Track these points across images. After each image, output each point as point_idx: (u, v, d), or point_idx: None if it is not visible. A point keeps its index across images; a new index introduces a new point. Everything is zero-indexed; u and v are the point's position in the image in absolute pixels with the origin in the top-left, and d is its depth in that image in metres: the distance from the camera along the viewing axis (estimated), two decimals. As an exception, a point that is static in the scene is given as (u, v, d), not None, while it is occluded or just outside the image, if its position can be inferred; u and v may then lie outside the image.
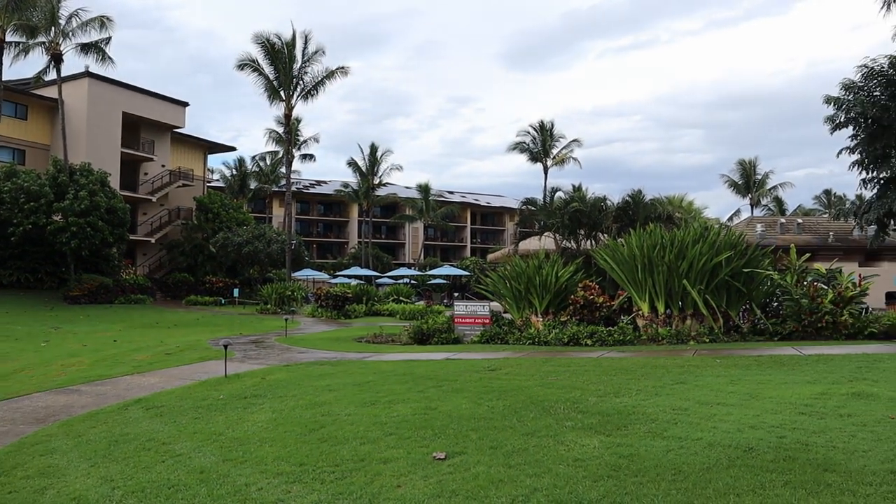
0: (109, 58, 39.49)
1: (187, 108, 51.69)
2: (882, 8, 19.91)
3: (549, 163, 61.56)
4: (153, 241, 48.81)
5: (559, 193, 26.37)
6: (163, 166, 49.95)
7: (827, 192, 79.54)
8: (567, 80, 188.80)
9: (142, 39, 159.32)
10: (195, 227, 50.21)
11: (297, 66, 44.39)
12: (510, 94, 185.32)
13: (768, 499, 4.44)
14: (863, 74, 20.42)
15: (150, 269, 49.11)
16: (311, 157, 55.92)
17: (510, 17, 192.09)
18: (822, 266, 16.79)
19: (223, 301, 43.63)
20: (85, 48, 38.99)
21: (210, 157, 59.47)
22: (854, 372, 9.15)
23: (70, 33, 38.47)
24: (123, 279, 41.74)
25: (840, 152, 21.53)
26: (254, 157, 67.23)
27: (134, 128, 47.49)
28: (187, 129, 53.06)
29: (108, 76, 43.48)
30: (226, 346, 12.45)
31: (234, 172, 66.37)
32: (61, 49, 38.21)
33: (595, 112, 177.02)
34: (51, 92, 40.99)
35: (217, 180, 67.88)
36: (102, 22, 38.76)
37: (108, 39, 39.43)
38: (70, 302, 35.69)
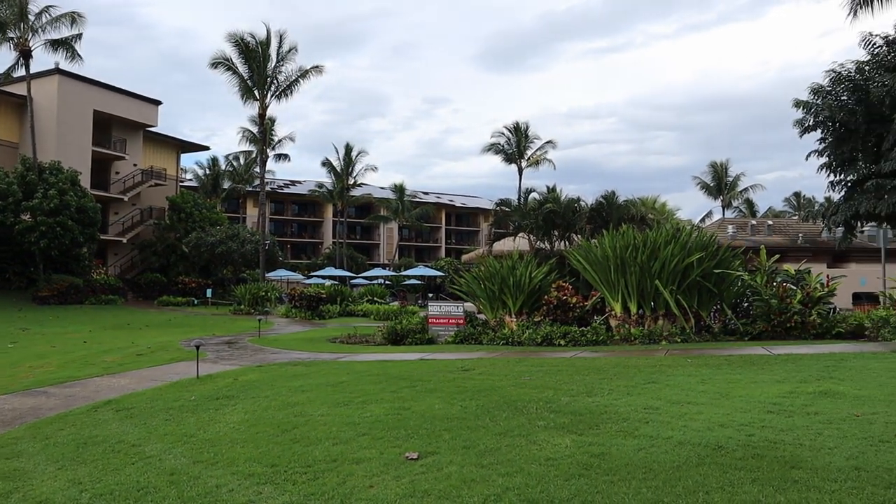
0: (79, 55, 38.91)
1: (160, 107, 51.13)
2: (849, 15, 20.26)
3: (524, 164, 61.79)
4: (125, 240, 48.22)
5: (533, 194, 26.54)
6: (135, 165, 49.36)
7: (797, 195, 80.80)
8: (542, 82, 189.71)
9: (114, 37, 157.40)
10: (168, 227, 49.69)
11: (271, 65, 44.13)
12: (485, 95, 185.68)
13: (737, 496, 4.50)
14: (831, 79, 20.77)
15: (121, 270, 48.50)
16: (285, 156, 55.76)
17: (486, 18, 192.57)
18: (791, 267, 17.05)
19: (196, 301, 43.24)
20: (55, 45, 38.34)
21: (183, 156, 58.89)
22: (821, 371, 9.30)
23: (40, 29, 37.83)
24: (94, 279, 41.18)
25: (809, 155, 21.88)
26: (227, 157, 66.72)
27: (105, 126, 46.87)
28: (160, 128, 52.51)
29: (79, 73, 42.85)
30: (198, 347, 12.33)
31: (208, 172, 65.81)
32: (30, 45, 37.59)
33: (570, 114, 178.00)
34: (19, 89, 40.27)
35: (190, 180, 67.27)
36: (73, 18, 38.18)
37: (79, 36, 38.86)
38: (39, 303, 35.14)
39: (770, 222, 44.51)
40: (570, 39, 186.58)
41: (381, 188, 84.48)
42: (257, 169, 53.23)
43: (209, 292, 44.59)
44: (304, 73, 44.91)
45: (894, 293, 15.31)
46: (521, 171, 61.85)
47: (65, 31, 38.42)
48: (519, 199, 30.23)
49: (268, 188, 63.10)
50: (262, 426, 7.38)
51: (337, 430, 6.93)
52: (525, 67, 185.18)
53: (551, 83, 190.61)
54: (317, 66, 45.36)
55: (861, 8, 20.03)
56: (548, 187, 25.46)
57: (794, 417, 6.57)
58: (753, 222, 44.29)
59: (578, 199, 23.39)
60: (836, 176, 21.69)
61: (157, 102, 50.86)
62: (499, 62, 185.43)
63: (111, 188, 47.60)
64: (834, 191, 22.43)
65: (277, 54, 44.17)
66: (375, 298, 38.88)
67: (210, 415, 8.27)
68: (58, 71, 42.13)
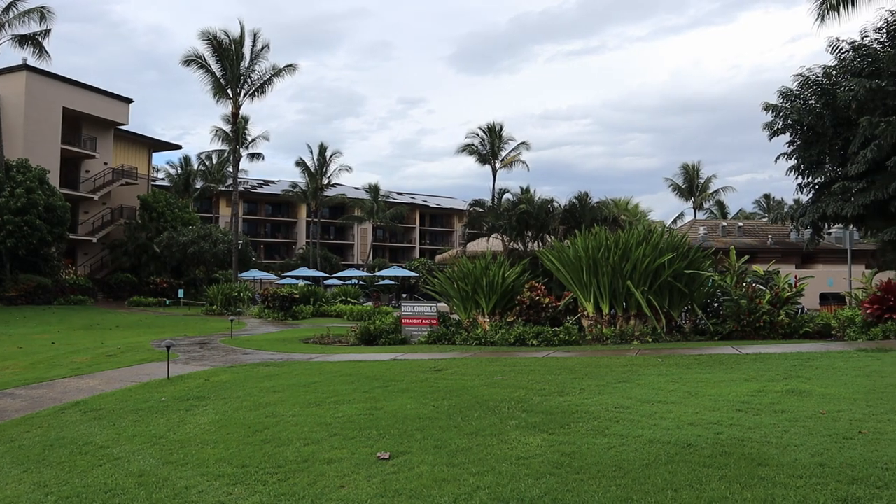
0: (46, 51, 38.29)
1: (132, 105, 50.55)
2: (816, 20, 20.60)
3: (498, 165, 61.99)
4: (95, 240, 47.57)
5: (507, 195, 26.64)
6: (105, 164, 48.73)
7: (767, 197, 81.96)
8: (517, 84, 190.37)
9: (86, 34, 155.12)
10: (139, 227, 49.12)
11: (244, 63, 43.81)
12: (460, 96, 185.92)
13: (704, 493, 4.55)
14: (799, 83, 21.10)
15: (91, 270, 47.85)
16: (259, 156, 55.33)
17: (461, 19, 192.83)
18: (760, 268, 17.30)
19: (168, 302, 42.79)
20: (22, 41, 37.67)
21: (155, 155, 58.28)
22: (789, 370, 9.44)
23: (7, 24, 37.18)
24: (63, 279, 40.59)
25: (778, 158, 22.20)
26: (199, 156, 66.09)
27: (75, 124, 46.21)
28: (131, 127, 51.92)
29: (48, 70, 42.19)
30: (168, 348, 12.20)
31: (180, 171, 65.14)
32: (-3, 41, 36.98)
33: (545, 115, 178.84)
34: (-15, 85, 39.64)
35: (162, 179, 66.54)
36: (42, 14, 37.55)
37: (48, 32, 38.22)
38: (6, 303, 34.55)
39: (740, 224, 45.08)
40: (544, 41, 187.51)
41: (356, 188, 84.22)
42: (230, 168, 52.73)
43: (181, 293, 44.14)
44: (277, 72, 44.66)
45: (860, 293, 15.58)
46: (495, 172, 62.04)
47: (33, 27, 37.83)
48: (493, 199, 30.32)
49: (241, 188, 62.64)
50: (233, 427, 7.33)
51: (308, 430, 6.90)
52: (500, 69, 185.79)
53: (526, 85, 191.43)
54: (290, 65, 45.16)
55: (828, 14, 20.37)
56: (522, 188, 25.63)
57: (762, 416, 6.67)
58: (724, 224, 44.83)
59: (552, 200, 23.54)
60: (804, 178, 22.04)
61: (129, 100, 50.26)
62: (474, 63, 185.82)
63: (81, 187, 46.94)
64: (802, 193, 22.80)
65: (251, 52, 43.88)
66: (349, 299, 38.76)
67: (180, 416, 8.18)
68: (25, 67, 41.45)
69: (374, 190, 75.86)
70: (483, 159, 61.95)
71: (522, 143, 63.08)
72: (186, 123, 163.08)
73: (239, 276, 45.01)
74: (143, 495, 5.24)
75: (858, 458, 5.15)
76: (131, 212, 50.43)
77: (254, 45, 43.83)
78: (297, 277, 49.86)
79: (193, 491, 5.26)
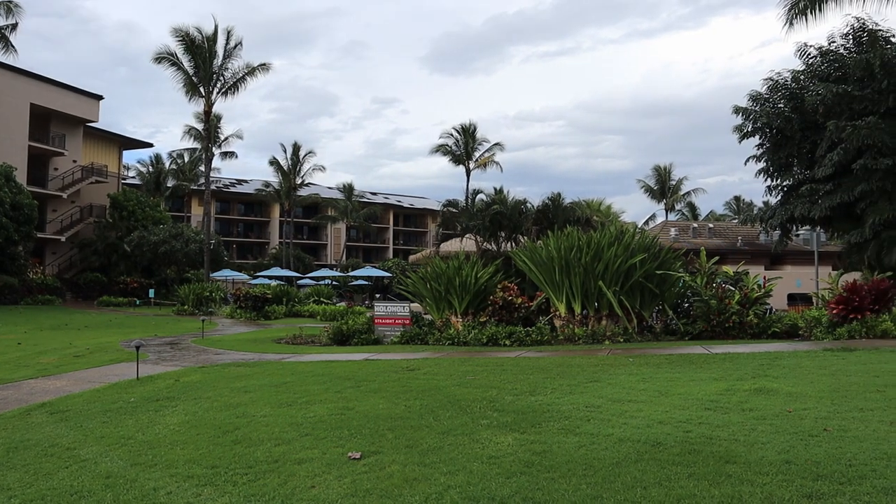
0: (13, 46, 37.62)
1: (102, 102, 49.86)
2: (785, 25, 20.93)
3: (472, 166, 62.09)
4: (63, 239, 46.82)
5: (481, 196, 26.68)
6: (74, 161, 47.99)
7: (737, 199, 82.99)
8: (492, 85, 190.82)
9: (55, 29, 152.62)
10: (109, 226, 48.46)
11: (217, 61, 43.43)
12: (434, 96, 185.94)
13: (673, 490, 4.60)
14: (768, 87, 21.43)
15: (59, 269, 47.10)
16: (232, 154, 54.77)
17: (436, 19, 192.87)
18: (730, 269, 17.52)
19: (138, 302, 42.28)
20: (-12, 35, 37.08)
21: (126, 153, 57.54)
22: (757, 369, 9.58)
23: (-28, 19, 36.55)
24: (30, 279, 39.91)
25: (748, 160, 22.52)
26: (171, 154, 65.39)
27: (43, 120, 45.44)
28: (102, 124, 51.20)
29: (16, 65, 41.47)
30: (138, 348, 12.05)
31: (151, 169, 64.40)
32: (-38, 36, 36.29)
33: (519, 116, 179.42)
34: (-50, 80, 38.85)
35: (133, 177, 65.73)
36: (8, 7, 36.90)
37: (15, 26, 37.57)
38: (-30, 303, 33.93)
39: (711, 225, 45.64)
40: (519, 42, 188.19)
41: (329, 188, 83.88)
42: (203, 167, 52.25)
43: (152, 292, 43.64)
44: (251, 71, 44.33)
45: (826, 294, 15.84)
46: (468, 172, 62.12)
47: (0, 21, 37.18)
48: (466, 200, 30.37)
49: (213, 187, 62.07)
50: (203, 427, 7.26)
51: (279, 430, 6.86)
52: (474, 69, 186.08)
53: (501, 86, 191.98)
54: (263, 64, 44.87)
55: (797, 19, 20.71)
56: (495, 189, 25.71)
57: (730, 414, 6.75)
58: (695, 225, 45.34)
59: (525, 201, 23.64)
60: (772, 181, 22.38)
61: (99, 97, 49.57)
62: (448, 64, 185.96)
63: (49, 185, 46.17)
64: (771, 195, 23.15)
65: (224, 50, 43.51)
66: (322, 299, 38.58)
67: (149, 416, 8.09)
68: (-8, 62, 40.74)
69: (347, 190, 75.63)
70: (457, 160, 62.02)
71: (496, 143, 63.31)
72: (158, 121, 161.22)
73: (211, 275, 44.61)
74: (111, 497, 5.17)
75: (823, 455, 5.24)
76: (101, 210, 49.73)
77: (227, 43, 43.51)
78: (269, 277, 49.52)
79: (162, 492, 5.20)
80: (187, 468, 5.78)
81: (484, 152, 62.49)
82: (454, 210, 26.28)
